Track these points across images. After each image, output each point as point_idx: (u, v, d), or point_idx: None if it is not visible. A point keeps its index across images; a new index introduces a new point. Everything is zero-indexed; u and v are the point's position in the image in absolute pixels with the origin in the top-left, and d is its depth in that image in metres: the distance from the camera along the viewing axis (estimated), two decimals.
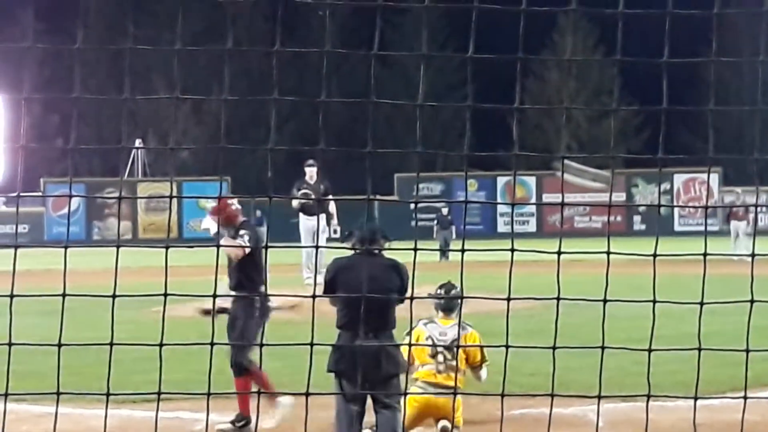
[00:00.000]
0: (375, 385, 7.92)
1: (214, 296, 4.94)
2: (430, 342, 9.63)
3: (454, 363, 9.53)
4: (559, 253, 4.78)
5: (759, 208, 52.86)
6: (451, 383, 9.28)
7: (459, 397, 9.19)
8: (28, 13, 63.12)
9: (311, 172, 21.77)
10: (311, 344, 4.77)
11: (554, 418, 9.72)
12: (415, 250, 4.76)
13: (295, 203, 21.81)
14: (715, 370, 9.78)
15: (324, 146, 5.24)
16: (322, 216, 21.76)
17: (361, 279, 7.57)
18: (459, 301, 9.39)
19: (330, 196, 21.93)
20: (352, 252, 8.32)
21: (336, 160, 55.64)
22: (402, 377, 8.11)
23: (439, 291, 9.92)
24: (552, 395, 5.00)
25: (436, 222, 40.02)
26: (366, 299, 7.43)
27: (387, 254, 8.41)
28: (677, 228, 53.08)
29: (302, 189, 21.48)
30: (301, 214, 22.14)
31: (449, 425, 9.36)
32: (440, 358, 9.69)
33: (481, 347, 9.77)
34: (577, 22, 67.76)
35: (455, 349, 9.50)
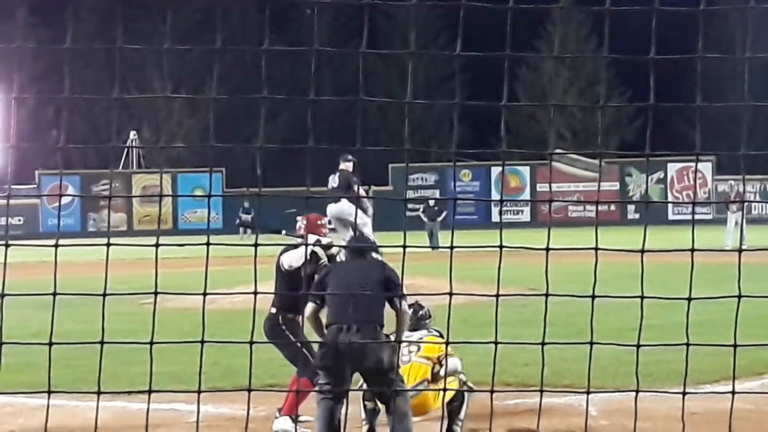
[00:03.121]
0: (364, 378, 8.06)
1: (204, 294, 4.92)
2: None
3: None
4: (547, 249, 4.79)
5: (753, 197, 52.92)
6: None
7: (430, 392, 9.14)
8: (23, 7, 63.07)
9: (347, 167, 21.74)
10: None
11: (548, 407, 9.82)
12: (404, 246, 4.78)
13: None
14: (709, 358, 9.82)
15: (315, 140, 5.25)
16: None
17: (349, 277, 8.11)
18: (426, 322, 9.39)
19: (362, 191, 22.10)
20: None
21: (328, 152, 55.56)
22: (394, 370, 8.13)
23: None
24: (541, 391, 5.02)
25: (422, 211, 40.19)
26: (352, 295, 7.68)
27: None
28: (671, 217, 53.17)
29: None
30: None
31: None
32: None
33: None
34: (569, 12, 67.59)
35: (419, 345, 9.22)
